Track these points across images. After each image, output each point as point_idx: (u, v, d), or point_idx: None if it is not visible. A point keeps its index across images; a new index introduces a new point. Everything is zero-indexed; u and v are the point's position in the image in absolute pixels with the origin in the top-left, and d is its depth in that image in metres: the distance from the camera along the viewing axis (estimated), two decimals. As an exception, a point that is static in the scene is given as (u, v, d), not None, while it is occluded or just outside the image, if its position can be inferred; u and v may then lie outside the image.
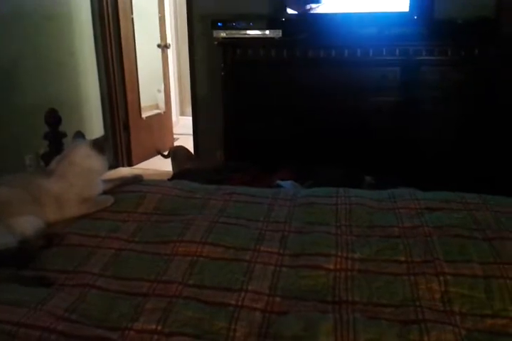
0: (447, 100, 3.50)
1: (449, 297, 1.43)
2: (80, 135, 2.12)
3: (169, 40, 5.97)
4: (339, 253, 1.65)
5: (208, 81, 4.46)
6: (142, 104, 5.23)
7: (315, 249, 1.68)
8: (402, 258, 1.62)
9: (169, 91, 5.86)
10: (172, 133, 5.75)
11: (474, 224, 1.79)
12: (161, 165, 4.84)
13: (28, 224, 1.75)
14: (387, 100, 3.60)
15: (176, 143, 5.62)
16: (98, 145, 2.04)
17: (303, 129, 3.65)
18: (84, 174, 1.98)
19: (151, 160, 5.22)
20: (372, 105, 3.59)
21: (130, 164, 5.08)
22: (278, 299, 1.44)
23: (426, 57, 3.47)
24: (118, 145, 4.97)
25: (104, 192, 2.08)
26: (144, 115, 5.28)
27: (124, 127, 5.01)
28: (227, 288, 1.48)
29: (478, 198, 2.01)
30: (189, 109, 4.94)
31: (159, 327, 1.32)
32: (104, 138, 2.45)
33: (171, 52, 6.21)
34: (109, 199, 2.03)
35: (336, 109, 3.57)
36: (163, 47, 5.59)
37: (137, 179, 2.27)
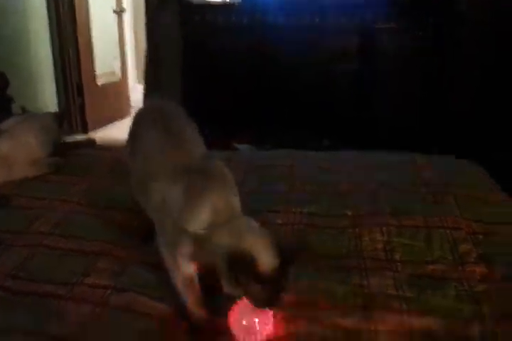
0: (404, 67, 3.54)
1: (391, 246, 1.49)
2: (24, 110, 2.11)
3: (125, 5, 5.79)
4: (288, 209, 1.68)
5: (166, 47, 4.36)
6: (98, 71, 5.09)
7: (266, 206, 1.71)
8: (349, 213, 1.67)
9: (125, 58, 5.72)
10: (129, 101, 5.64)
11: (419, 180, 1.86)
12: (118, 133, 4.77)
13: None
14: (346, 67, 3.62)
15: (132, 111, 5.53)
16: (59, 118, 2.09)
17: (263, 94, 3.65)
18: (39, 137, 1.96)
19: (107, 127, 5.13)
20: (331, 71, 3.61)
21: (85, 131, 4.98)
22: None
23: (383, 26, 3.48)
24: (72, 112, 4.85)
25: (55, 155, 2.05)
26: (100, 82, 5.15)
27: (78, 93, 4.88)
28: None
29: (426, 158, 2.07)
30: (146, 76, 4.84)
31: (112, 283, 1.33)
32: (64, 112, 2.48)
33: (127, 18, 6.03)
34: (60, 162, 2.00)
35: (295, 75, 3.57)
36: (119, 12, 5.43)
37: (90, 143, 2.24)
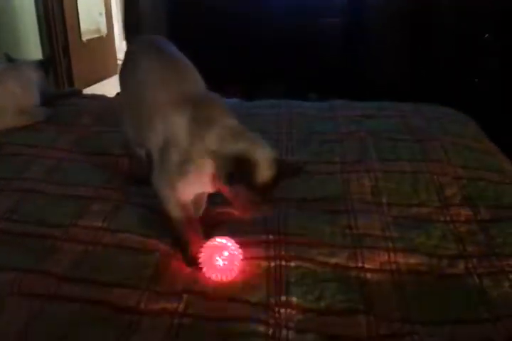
0: (391, 23, 3.50)
1: (378, 190, 1.52)
2: (8, 57, 2.07)
3: (109, -43, 5.61)
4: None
5: (151, 2, 4.26)
6: (83, 28, 4.98)
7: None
8: (337, 159, 1.69)
9: (111, 14, 5.59)
10: (116, 58, 5.54)
11: (406, 128, 1.88)
12: (105, 91, 4.70)
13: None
14: (333, 21, 3.58)
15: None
16: (45, 64, 2.07)
17: (250, 48, 3.60)
18: (26, 86, 1.95)
19: (95, 86, 5.06)
20: (318, 26, 3.57)
21: (73, 90, 4.91)
22: None
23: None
24: (58, 70, 4.76)
25: (42, 105, 2.03)
26: (85, 38, 5.04)
27: (64, 51, 4.79)
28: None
29: (412, 106, 2.09)
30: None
31: (105, 225, 1.36)
32: (49, 59, 2.44)
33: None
34: (47, 111, 1.99)
35: (283, 29, 3.53)
36: (103, -35, 5.26)
37: (75, 92, 2.22)
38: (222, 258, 1.18)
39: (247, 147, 1.16)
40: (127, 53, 1.55)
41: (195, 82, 1.37)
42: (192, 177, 1.21)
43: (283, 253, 1.25)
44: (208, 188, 1.24)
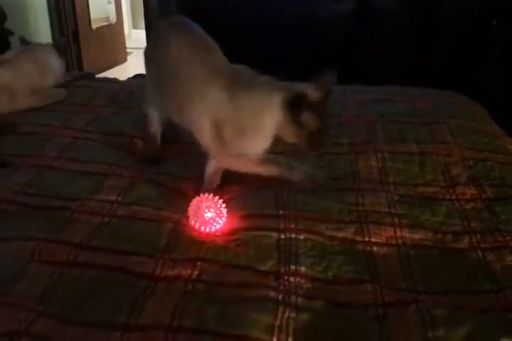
0: (401, 10, 3.50)
1: (385, 170, 1.56)
2: (23, 40, 2.11)
3: None
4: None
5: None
6: (92, 16, 5.01)
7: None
8: (345, 141, 1.72)
9: (120, 3, 5.62)
10: (125, 47, 5.59)
11: (414, 111, 1.91)
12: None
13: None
14: (338, 8, 3.58)
15: (129, 58, 5.49)
16: (60, 47, 2.12)
17: (257, 34, 3.61)
18: (41, 68, 1.99)
19: (104, 73, 5.10)
20: (329, 12, 3.56)
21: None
22: None
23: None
24: (68, 56, 4.80)
25: (57, 87, 2.07)
26: (94, 26, 5.08)
27: (74, 38, 4.82)
28: (184, 176, 1.56)
29: (420, 91, 2.11)
30: (143, 22, 4.77)
31: (119, 198, 1.40)
32: (65, 41, 2.48)
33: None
34: (62, 93, 2.03)
35: (293, 15, 3.53)
36: (112, -48, 5.28)
37: (89, 75, 2.26)
38: (211, 210, 1.27)
39: (297, 87, 1.29)
40: (154, 33, 1.60)
41: (222, 56, 1.47)
42: (255, 135, 1.34)
43: (293, 226, 1.29)
44: (268, 142, 1.36)
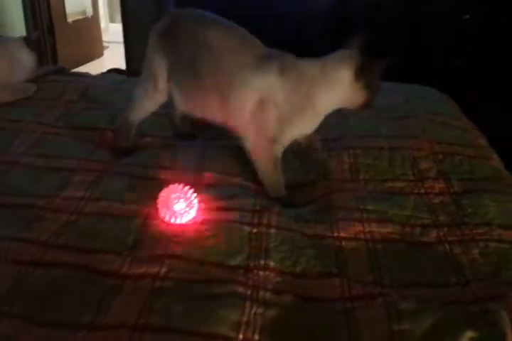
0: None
1: (356, 167, 1.57)
2: None
3: None
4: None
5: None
6: (68, 10, 4.94)
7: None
8: (318, 137, 1.71)
9: (96, -4, 5.54)
10: (101, 41, 5.52)
11: (386, 106, 1.91)
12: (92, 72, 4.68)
13: None
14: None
15: (105, 52, 5.43)
16: (31, 41, 2.16)
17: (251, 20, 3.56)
18: (11, 62, 1.95)
19: (80, 68, 5.03)
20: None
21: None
22: None
23: None
24: (43, 51, 4.72)
25: (27, 81, 2.04)
26: (70, 20, 5.01)
27: (49, 32, 4.75)
28: (156, 166, 1.55)
29: (393, 86, 2.12)
30: (119, 15, 4.71)
31: (87, 194, 1.39)
32: (36, 35, 2.44)
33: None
34: (32, 87, 2.00)
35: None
36: None
37: (61, 70, 2.22)
38: (180, 201, 1.26)
39: (350, 56, 1.37)
40: (171, 26, 1.53)
41: (260, 42, 1.48)
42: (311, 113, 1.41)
43: (265, 221, 1.29)
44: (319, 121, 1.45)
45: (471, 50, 2.95)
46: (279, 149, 1.44)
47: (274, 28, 3.39)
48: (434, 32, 3.12)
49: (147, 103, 1.62)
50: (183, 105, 1.56)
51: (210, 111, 1.49)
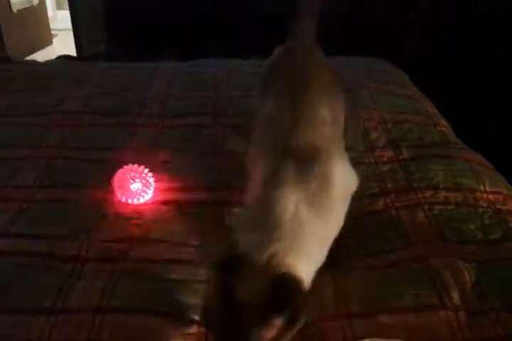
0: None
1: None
2: None
3: None
4: (213, 112, 1.74)
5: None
6: (12, 0, 4.79)
7: (190, 109, 1.76)
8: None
9: (41, -17, 5.36)
10: (49, 29, 5.36)
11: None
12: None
13: None
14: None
15: (55, 40, 5.28)
16: None
17: (187, 11, 3.53)
18: None
19: (29, 57, 4.89)
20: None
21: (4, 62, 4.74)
22: None
23: None
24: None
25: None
26: (15, 9, 4.85)
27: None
28: (107, 147, 1.54)
29: (343, 59, 2.13)
30: (66, 3, 4.58)
31: (37, 182, 1.37)
32: None
33: None
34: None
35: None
36: None
37: (4, 59, 2.17)
38: (136, 181, 1.26)
39: None
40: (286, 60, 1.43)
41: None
42: None
43: (227, 198, 1.30)
44: None
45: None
46: None
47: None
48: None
49: None
50: None
51: None
